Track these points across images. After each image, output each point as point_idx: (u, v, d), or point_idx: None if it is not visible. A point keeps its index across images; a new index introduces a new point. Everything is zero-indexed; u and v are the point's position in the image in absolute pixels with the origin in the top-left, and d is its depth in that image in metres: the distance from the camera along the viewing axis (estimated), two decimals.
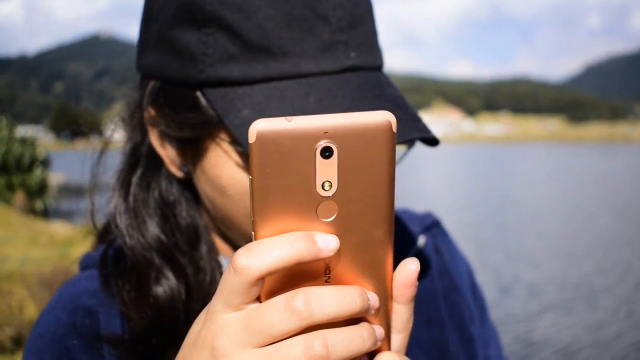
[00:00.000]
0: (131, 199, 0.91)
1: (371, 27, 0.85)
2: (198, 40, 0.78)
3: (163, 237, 0.90)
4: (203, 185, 0.87)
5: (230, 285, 0.51)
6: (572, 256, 15.57)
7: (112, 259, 0.91)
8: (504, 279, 13.07)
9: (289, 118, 0.49)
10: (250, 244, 0.52)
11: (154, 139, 0.89)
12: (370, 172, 0.51)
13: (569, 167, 61.40)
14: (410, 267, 0.57)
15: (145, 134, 0.91)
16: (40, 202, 21.63)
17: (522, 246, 17.08)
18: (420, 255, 1.07)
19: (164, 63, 0.83)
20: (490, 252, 15.95)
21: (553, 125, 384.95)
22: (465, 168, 63.34)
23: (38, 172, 22.13)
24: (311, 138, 0.49)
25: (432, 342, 1.02)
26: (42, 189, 22.20)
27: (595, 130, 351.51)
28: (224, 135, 0.81)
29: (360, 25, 0.81)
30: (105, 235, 0.97)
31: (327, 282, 0.54)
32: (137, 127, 0.92)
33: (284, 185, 0.50)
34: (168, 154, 0.89)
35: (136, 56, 0.91)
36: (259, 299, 0.54)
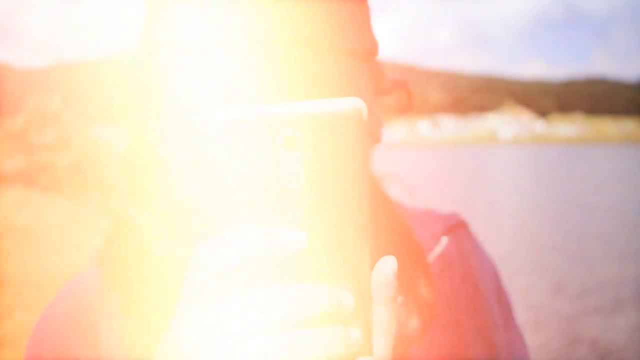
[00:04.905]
0: None
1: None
2: None
3: None
4: None
5: (188, 284, 0.50)
6: (632, 258, 15.27)
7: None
8: (556, 279, 13.00)
9: (249, 107, 0.47)
10: (209, 240, 0.50)
11: None
12: (340, 163, 0.48)
13: None
14: (387, 265, 0.53)
15: None
16: None
17: (581, 248, 16.77)
18: (442, 258, 1.07)
19: None
20: (548, 253, 15.75)
21: (629, 126, 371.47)
22: (536, 170, 61.82)
23: None
24: (272, 127, 0.47)
25: (452, 347, 1.03)
26: None
27: None
28: None
29: None
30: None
31: (297, 282, 0.52)
32: None
33: (245, 179, 0.48)
34: None
35: None
36: None
